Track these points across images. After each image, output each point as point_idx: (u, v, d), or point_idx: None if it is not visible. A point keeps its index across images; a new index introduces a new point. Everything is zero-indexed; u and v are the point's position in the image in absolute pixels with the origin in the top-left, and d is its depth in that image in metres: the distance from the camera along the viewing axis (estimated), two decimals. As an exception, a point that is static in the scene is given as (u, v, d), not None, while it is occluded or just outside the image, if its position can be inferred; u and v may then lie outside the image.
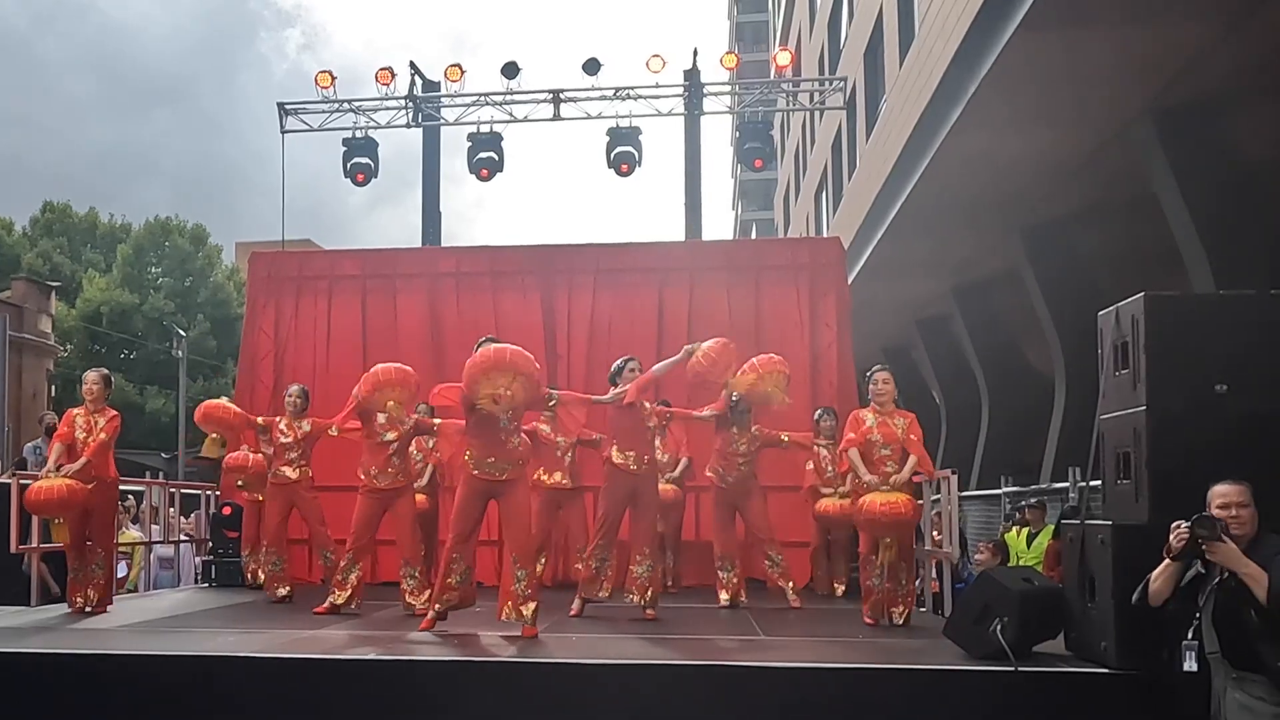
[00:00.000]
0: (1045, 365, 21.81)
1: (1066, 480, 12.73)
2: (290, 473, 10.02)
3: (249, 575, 11.42)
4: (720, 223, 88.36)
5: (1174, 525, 5.03)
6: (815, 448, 10.81)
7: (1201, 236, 14.29)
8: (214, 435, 11.01)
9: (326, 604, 9.11)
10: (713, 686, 6.23)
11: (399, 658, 6.69)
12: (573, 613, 8.94)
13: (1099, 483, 6.68)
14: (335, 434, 9.84)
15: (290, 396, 10.23)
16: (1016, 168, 16.57)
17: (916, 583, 9.68)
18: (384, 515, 9.31)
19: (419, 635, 7.71)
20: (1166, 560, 5.10)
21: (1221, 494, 5.10)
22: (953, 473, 9.35)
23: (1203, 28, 12.14)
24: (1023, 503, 12.92)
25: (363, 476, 9.19)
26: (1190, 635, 5.00)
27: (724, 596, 9.81)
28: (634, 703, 6.16)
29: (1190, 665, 4.96)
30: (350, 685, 6.41)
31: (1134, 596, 5.39)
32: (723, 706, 6.12)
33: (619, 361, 9.15)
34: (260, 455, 10.69)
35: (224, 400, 10.91)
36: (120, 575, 11.86)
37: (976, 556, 11.46)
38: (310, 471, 10.14)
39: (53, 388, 37.91)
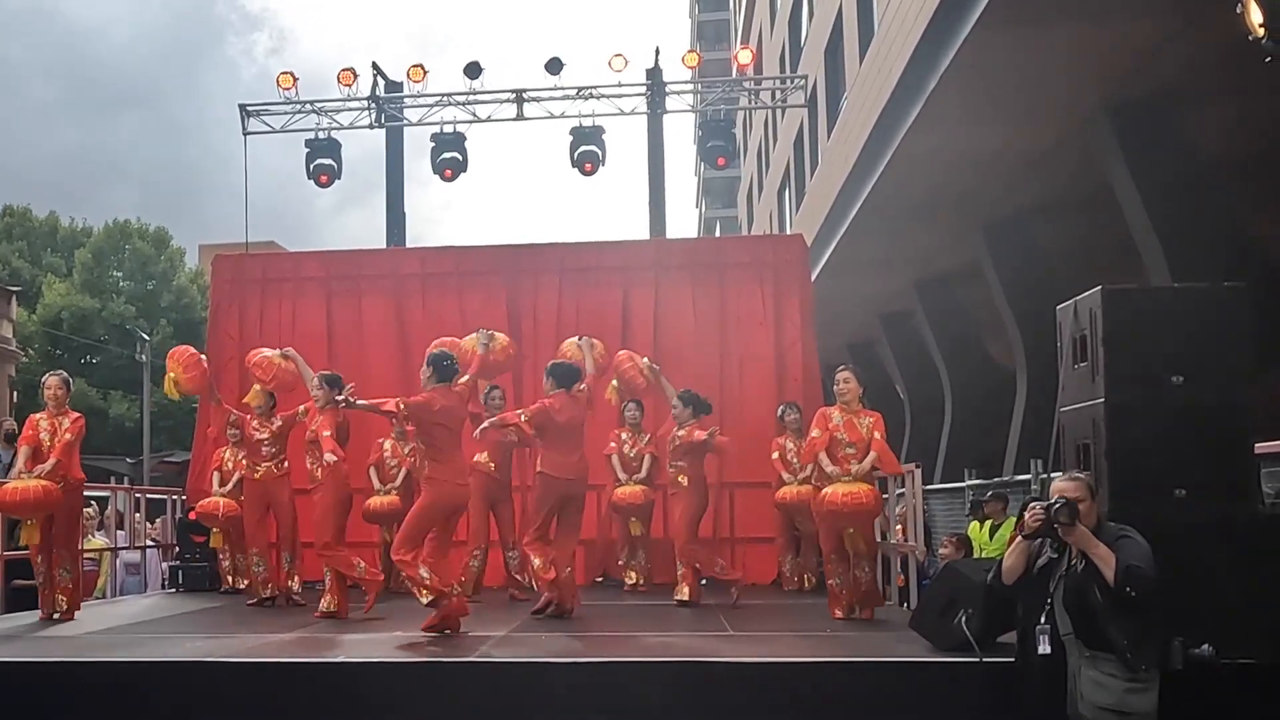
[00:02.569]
0: (1006, 359, 22.02)
1: (1029, 472, 12.86)
2: (273, 468, 10.14)
3: (226, 579, 11.35)
4: (684, 220, 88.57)
5: (1029, 507, 5.33)
6: (781, 441, 10.95)
7: (1157, 230, 14.48)
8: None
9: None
10: (681, 683, 6.28)
11: (371, 660, 6.73)
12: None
13: (1059, 474, 6.78)
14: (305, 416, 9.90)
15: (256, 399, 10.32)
16: (975, 164, 16.72)
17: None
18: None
19: (391, 637, 7.74)
20: (1019, 539, 5.38)
21: (1060, 489, 5.33)
22: (916, 466, 9.46)
23: (1157, 25, 12.31)
24: (978, 496, 13.05)
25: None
26: (1043, 619, 5.25)
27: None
28: (603, 700, 6.20)
29: (1044, 648, 5.22)
30: (320, 687, 6.44)
31: (989, 578, 5.66)
32: (691, 702, 6.17)
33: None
34: (231, 501, 10.69)
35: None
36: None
37: (941, 550, 11.58)
38: (288, 467, 10.19)
39: (14, 393, 37.51)
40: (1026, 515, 5.31)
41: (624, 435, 10.98)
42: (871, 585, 8.65)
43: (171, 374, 10.65)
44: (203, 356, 10.92)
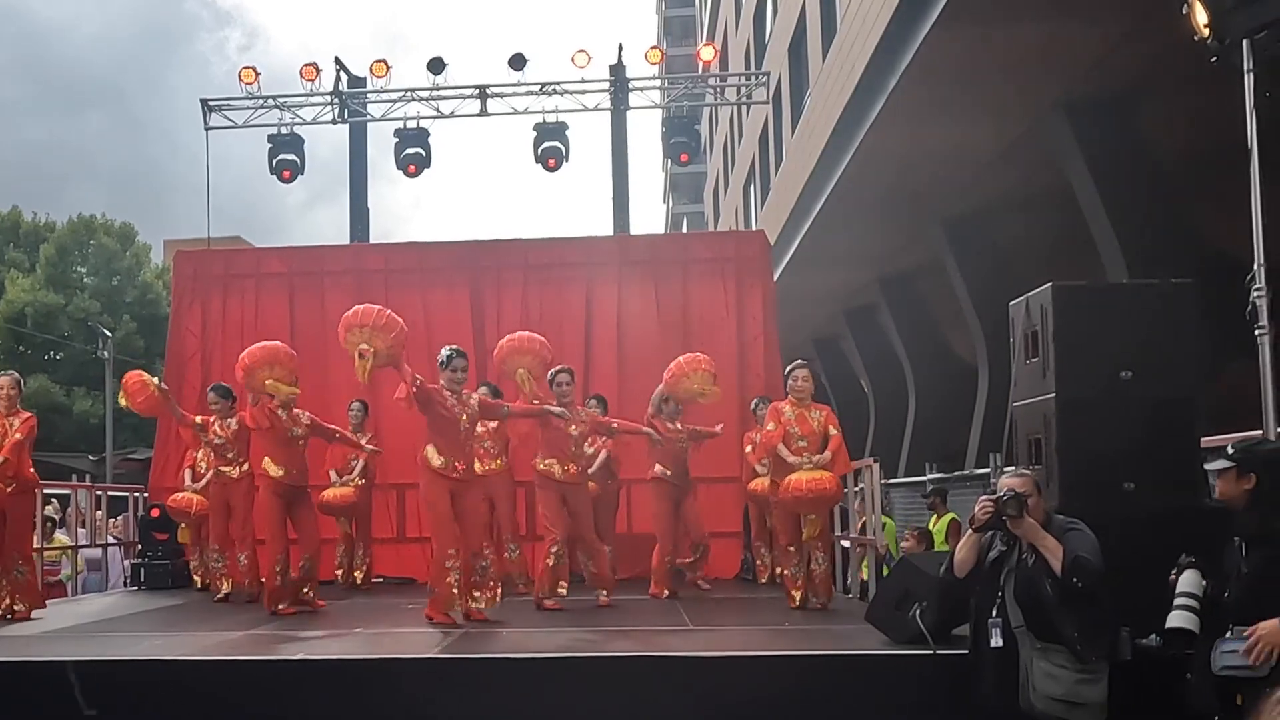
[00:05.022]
0: (968, 353, 22.20)
1: (990, 466, 12.99)
2: (231, 472, 10.13)
3: (197, 578, 11.34)
4: (652, 216, 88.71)
5: (979, 500, 5.42)
6: (752, 435, 11.01)
7: (1114, 225, 14.65)
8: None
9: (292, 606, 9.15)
10: (642, 677, 6.34)
11: (331, 657, 6.76)
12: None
13: (1013, 468, 6.87)
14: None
15: (213, 402, 10.39)
16: (936, 160, 16.86)
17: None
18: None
19: (340, 635, 7.76)
20: (970, 532, 5.47)
21: (1008, 485, 5.40)
22: (875, 461, 9.58)
23: (1113, 23, 12.45)
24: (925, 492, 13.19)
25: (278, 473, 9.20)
26: (995, 613, 5.33)
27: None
28: (563, 696, 6.24)
29: (996, 641, 5.29)
30: (286, 685, 6.45)
31: (941, 570, 5.75)
32: (652, 696, 6.22)
33: (551, 371, 9.29)
34: (203, 498, 10.68)
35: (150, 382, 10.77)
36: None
37: (903, 544, 11.68)
38: (249, 468, 10.11)
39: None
40: (976, 508, 5.40)
41: None
42: (826, 575, 8.78)
43: (123, 403, 10.76)
44: (151, 380, 10.82)
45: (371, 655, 6.91)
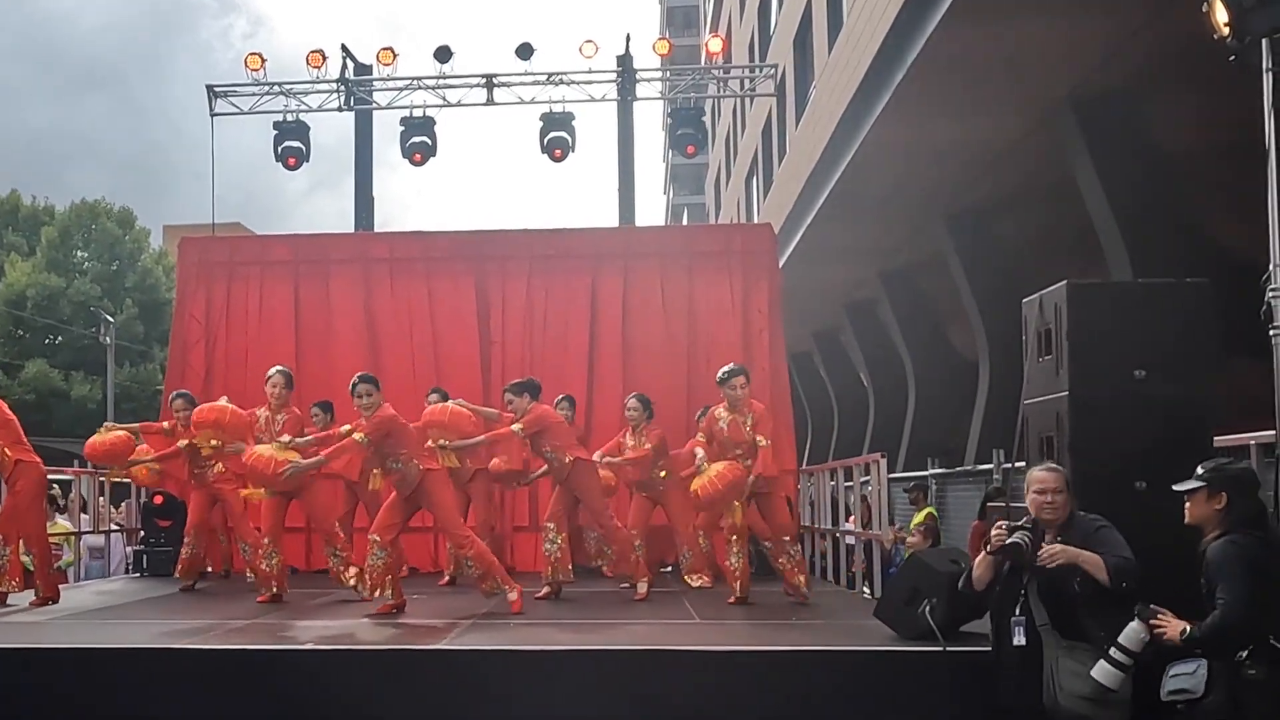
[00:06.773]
0: (969, 349, 22.19)
1: (990, 462, 13.00)
2: (220, 468, 10.04)
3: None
4: (652, 207, 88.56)
5: (996, 525, 5.42)
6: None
7: (1119, 222, 14.63)
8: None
9: (267, 594, 9.22)
10: (648, 671, 6.33)
11: (335, 648, 6.76)
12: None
13: (1023, 464, 6.87)
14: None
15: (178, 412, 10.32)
16: (941, 155, 16.83)
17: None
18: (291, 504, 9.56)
19: (348, 625, 7.75)
20: (984, 554, 5.48)
21: (1039, 480, 5.43)
22: (882, 456, 9.57)
23: (1121, 19, 12.43)
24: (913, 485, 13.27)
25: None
26: (1018, 611, 5.32)
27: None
28: (568, 689, 6.24)
29: (1019, 639, 5.29)
30: (289, 675, 6.44)
31: (960, 583, 5.75)
32: (658, 690, 6.22)
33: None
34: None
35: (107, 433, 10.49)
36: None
37: (909, 540, 11.70)
38: (224, 468, 9.98)
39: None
40: (992, 534, 5.39)
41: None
42: (799, 561, 8.99)
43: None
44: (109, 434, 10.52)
45: (378, 646, 6.90)
